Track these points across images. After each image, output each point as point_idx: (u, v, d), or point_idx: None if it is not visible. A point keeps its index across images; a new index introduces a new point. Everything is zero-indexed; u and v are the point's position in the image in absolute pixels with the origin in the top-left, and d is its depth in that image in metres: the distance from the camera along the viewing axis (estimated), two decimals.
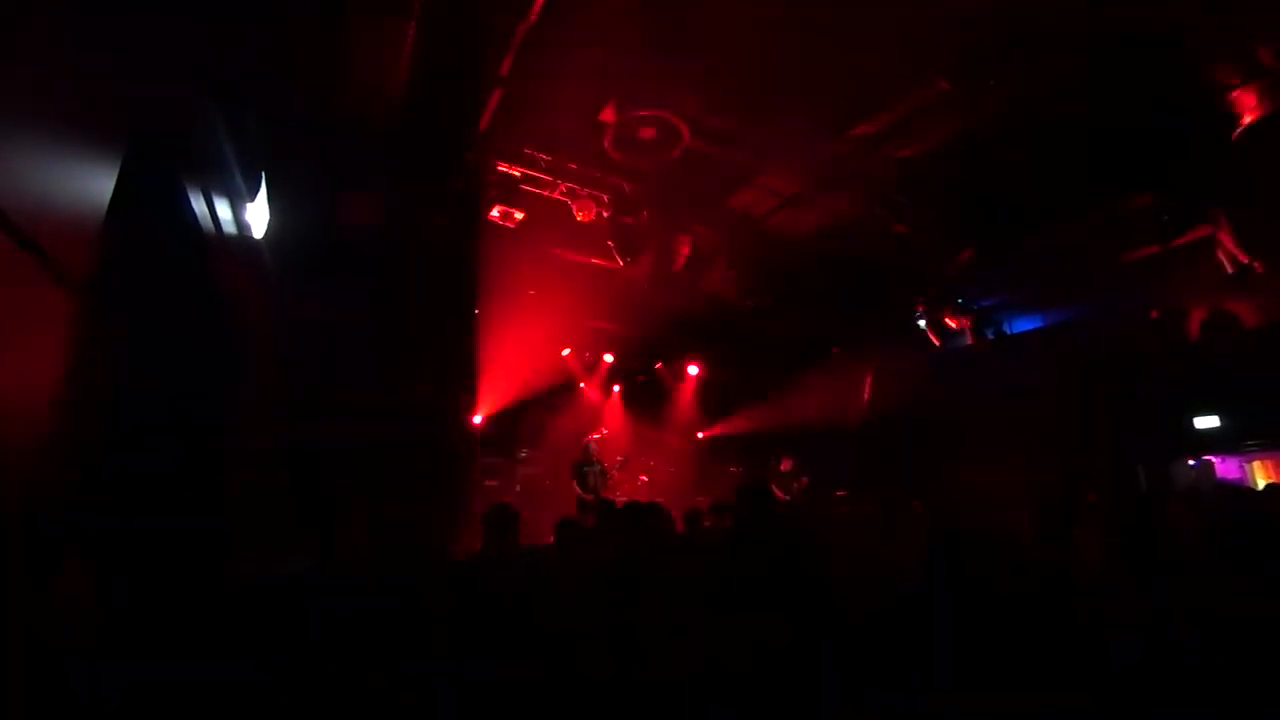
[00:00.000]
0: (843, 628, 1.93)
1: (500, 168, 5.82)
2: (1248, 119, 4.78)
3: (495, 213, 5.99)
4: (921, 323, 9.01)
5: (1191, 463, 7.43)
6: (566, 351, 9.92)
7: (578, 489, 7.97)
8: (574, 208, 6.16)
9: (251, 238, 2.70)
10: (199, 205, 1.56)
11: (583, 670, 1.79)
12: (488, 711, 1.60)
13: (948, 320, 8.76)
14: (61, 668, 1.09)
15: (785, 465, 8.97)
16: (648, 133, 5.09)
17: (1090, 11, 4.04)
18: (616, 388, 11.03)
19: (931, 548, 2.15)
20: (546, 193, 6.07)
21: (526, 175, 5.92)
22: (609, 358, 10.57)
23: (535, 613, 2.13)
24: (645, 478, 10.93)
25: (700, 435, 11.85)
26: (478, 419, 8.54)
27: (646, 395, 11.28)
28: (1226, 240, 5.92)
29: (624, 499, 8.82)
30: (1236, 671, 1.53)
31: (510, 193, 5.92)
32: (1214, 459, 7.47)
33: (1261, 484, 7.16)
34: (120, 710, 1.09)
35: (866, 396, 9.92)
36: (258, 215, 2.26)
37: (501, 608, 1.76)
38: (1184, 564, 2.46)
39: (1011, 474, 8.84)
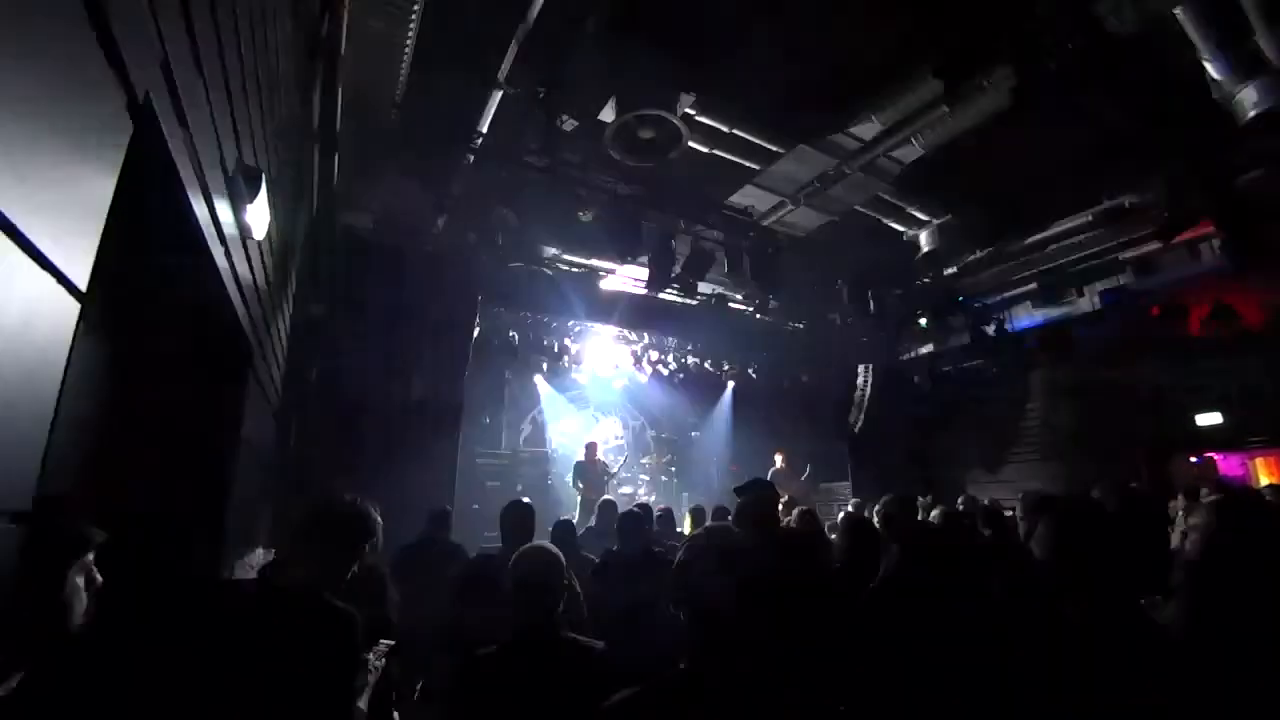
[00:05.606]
0: (836, 622, 1.94)
1: (500, 169, 5.82)
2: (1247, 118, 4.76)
3: (496, 213, 6.00)
4: (922, 320, 9.01)
5: (1194, 459, 7.42)
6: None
7: (579, 488, 7.98)
8: (574, 208, 6.16)
9: (252, 239, 2.72)
10: (199, 207, 1.57)
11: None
12: (487, 704, 1.61)
13: (948, 318, 8.76)
14: (59, 658, 1.11)
15: (782, 464, 8.95)
16: (647, 133, 5.09)
17: (1089, 9, 4.04)
18: (615, 387, 11.03)
19: (906, 545, 2.15)
20: (546, 192, 6.06)
21: (526, 176, 5.92)
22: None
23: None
24: (646, 477, 10.93)
25: (694, 435, 11.86)
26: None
27: (646, 394, 11.29)
28: (1227, 237, 5.90)
29: (626, 498, 8.83)
30: (1232, 667, 1.53)
31: (510, 193, 5.93)
32: (1216, 456, 7.46)
33: (1264, 482, 7.15)
34: (117, 700, 1.11)
35: (867, 394, 9.91)
36: (258, 217, 2.28)
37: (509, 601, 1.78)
38: (1181, 561, 2.46)
39: (1011, 471, 8.84)
